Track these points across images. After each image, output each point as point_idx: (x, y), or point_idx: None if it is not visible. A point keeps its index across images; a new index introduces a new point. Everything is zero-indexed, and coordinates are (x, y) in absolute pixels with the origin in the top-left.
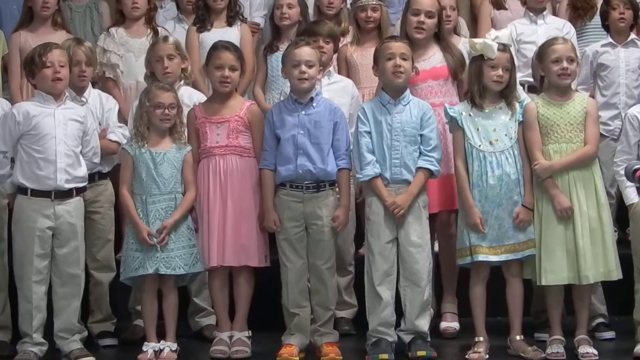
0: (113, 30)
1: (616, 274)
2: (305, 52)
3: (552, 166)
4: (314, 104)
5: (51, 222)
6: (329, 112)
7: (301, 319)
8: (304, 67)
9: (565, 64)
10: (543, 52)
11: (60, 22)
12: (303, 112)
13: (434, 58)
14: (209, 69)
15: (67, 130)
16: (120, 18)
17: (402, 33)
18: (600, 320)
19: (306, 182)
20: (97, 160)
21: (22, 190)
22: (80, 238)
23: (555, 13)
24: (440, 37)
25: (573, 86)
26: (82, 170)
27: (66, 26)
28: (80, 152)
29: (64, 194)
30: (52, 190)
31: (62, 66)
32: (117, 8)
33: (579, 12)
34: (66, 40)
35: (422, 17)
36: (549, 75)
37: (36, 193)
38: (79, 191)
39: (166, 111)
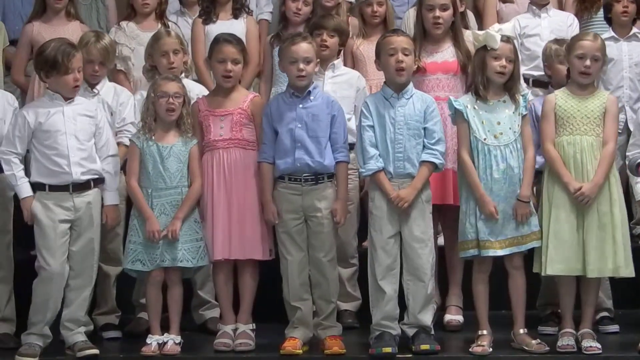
0: (124, 23)
1: (624, 271)
2: (303, 48)
3: (596, 183)
4: (312, 97)
5: (71, 214)
6: (327, 105)
7: (303, 313)
8: (301, 65)
9: (588, 62)
10: (571, 45)
11: (73, 13)
12: (301, 106)
13: (447, 52)
14: (212, 63)
15: (77, 126)
16: (132, 12)
17: (419, 29)
18: (605, 313)
19: (304, 175)
20: (113, 152)
21: (40, 186)
22: (96, 229)
23: (562, 5)
24: (454, 29)
25: None
26: (98, 164)
27: (80, 17)
28: (95, 148)
29: (81, 186)
30: (69, 183)
31: (80, 71)
32: (128, 2)
33: (585, 5)
34: (88, 32)
35: (437, 12)
36: (572, 70)
37: (54, 188)
38: (97, 182)
39: (170, 100)
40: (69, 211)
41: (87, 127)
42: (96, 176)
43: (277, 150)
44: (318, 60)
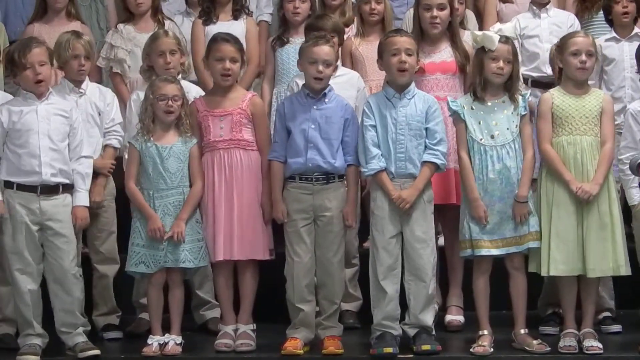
0: (121, 26)
1: (625, 269)
2: (324, 51)
3: (597, 183)
4: (327, 100)
5: (36, 217)
6: (341, 108)
7: (306, 314)
8: (321, 67)
9: (584, 57)
10: (563, 44)
11: (74, 14)
12: (315, 107)
13: (445, 52)
14: (210, 62)
15: (50, 125)
16: (130, 15)
17: (416, 28)
18: (607, 313)
19: (316, 174)
20: (86, 153)
21: (8, 184)
22: (69, 233)
23: (563, 5)
24: (452, 29)
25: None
26: (69, 167)
27: (80, 17)
28: (69, 148)
29: (49, 190)
30: (38, 185)
31: (42, 65)
32: (123, 6)
33: (585, 5)
34: (64, 33)
35: (434, 12)
36: (567, 67)
37: (22, 187)
38: (66, 188)
39: (169, 102)
40: (34, 214)
41: (60, 127)
42: (66, 180)
43: (289, 150)
44: (337, 64)
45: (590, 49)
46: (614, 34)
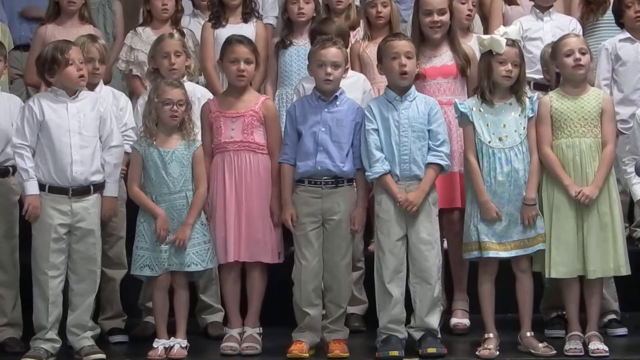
0: (140, 29)
1: (625, 269)
2: (332, 53)
3: (597, 186)
4: (338, 103)
5: (68, 219)
6: (352, 111)
7: (312, 317)
8: (329, 69)
9: (578, 55)
10: (556, 48)
11: (87, 17)
12: (326, 110)
13: (445, 56)
14: (224, 64)
15: (81, 122)
16: (149, 17)
17: (415, 33)
18: (612, 316)
19: (324, 178)
20: (116, 143)
21: (40, 186)
22: (97, 235)
23: (568, 7)
24: (451, 33)
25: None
26: (99, 165)
27: (93, 21)
28: (101, 140)
29: (81, 191)
30: (69, 186)
31: (81, 63)
32: (145, 8)
33: (591, 7)
34: (80, 37)
35: (435, 17)
36: (564, 69)
37: (53, 189)
38: (97, 188)
39: (174, 107)
40: (66, 215)
41: (91, 122)
42: (96, 180)
43: (298, 152)
44: (347, 66)
45: (582, 47)
46: (628, 35)
